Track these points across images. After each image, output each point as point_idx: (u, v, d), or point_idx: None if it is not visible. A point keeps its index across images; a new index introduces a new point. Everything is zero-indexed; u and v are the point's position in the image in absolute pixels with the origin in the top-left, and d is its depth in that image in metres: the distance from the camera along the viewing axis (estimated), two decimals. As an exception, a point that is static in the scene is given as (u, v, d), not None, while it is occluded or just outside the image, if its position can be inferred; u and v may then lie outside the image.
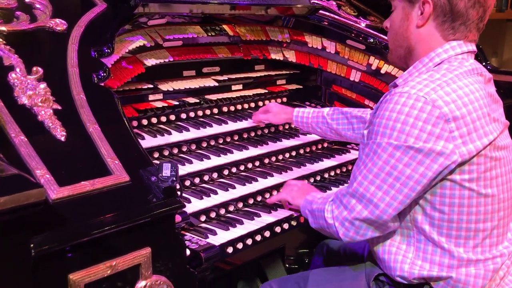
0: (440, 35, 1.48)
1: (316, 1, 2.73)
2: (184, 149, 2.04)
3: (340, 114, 2.11)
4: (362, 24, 2.67)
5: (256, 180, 2.04)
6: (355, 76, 2.60)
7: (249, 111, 2.44)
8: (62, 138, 1.28)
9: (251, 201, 1.96)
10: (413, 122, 1.35)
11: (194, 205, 1.79)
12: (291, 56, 2.65)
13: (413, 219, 1.48)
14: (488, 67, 2.77)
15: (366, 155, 1.45)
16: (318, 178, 2.27)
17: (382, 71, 2.51)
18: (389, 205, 1.41)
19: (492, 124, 1.44)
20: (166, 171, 1.26)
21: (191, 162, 1.96)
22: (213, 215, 1.82)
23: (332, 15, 2.70)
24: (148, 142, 1.94)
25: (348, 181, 1.66)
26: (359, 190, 1.45)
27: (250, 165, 2.15)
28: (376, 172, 1.41)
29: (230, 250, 1.66)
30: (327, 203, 1.57)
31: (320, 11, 2.67)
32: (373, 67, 2.54)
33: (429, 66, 1.48)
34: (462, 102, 1.37)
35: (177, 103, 2.18)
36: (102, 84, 1.52)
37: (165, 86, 2.19)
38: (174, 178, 1.24)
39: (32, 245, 1.02)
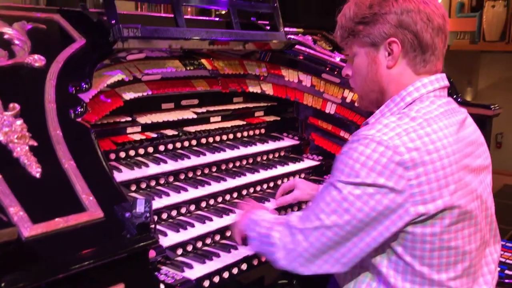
0: (412, 70, 1.46)
1: (292, 36, 2.82)
2: (162, 181, 2.06)
3: None
4: (337, 58, 2.75)
5: (234, 212, 2.05)
6: (330, 109, 2.66)
7: (227, 142, 2.47)
8: (37, 175, 1.29)
9: (228, 233, 1.98)
10: (371, 165, 1.33)
11: (170, 238, 1.79)
12: (268, 89, 2.71)
13: (376, 266, 1.45)
14: (459, 99, 2.87)
15: (320, 193, 1.44)
16: (296, 209, 2.30)
17: (357, 104, 2.58)
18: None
19: (461, 172, 1.39)
20: (140, 207, 1.28)
21: (168, 195, 1.97)
22: (189, 248, 1.83)
23: (307, 49, 2.78)
24: (125, 175, 1.95)
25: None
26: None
27: (228, 197, 2.17)
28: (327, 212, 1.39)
29: (206, 284, 1.66)
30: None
31: (296, 46, 2.75)
32: (348, 100, 2.60)
33: (400, 106, 1.46)
34: (427, 149, 1.33)
35: (155, 135, 2.20)
36: (79, 120, 1.54)
37: (144, 119, 2.21)
38: (148, 214, 1.26)
39: (3, 284, 1.02)
